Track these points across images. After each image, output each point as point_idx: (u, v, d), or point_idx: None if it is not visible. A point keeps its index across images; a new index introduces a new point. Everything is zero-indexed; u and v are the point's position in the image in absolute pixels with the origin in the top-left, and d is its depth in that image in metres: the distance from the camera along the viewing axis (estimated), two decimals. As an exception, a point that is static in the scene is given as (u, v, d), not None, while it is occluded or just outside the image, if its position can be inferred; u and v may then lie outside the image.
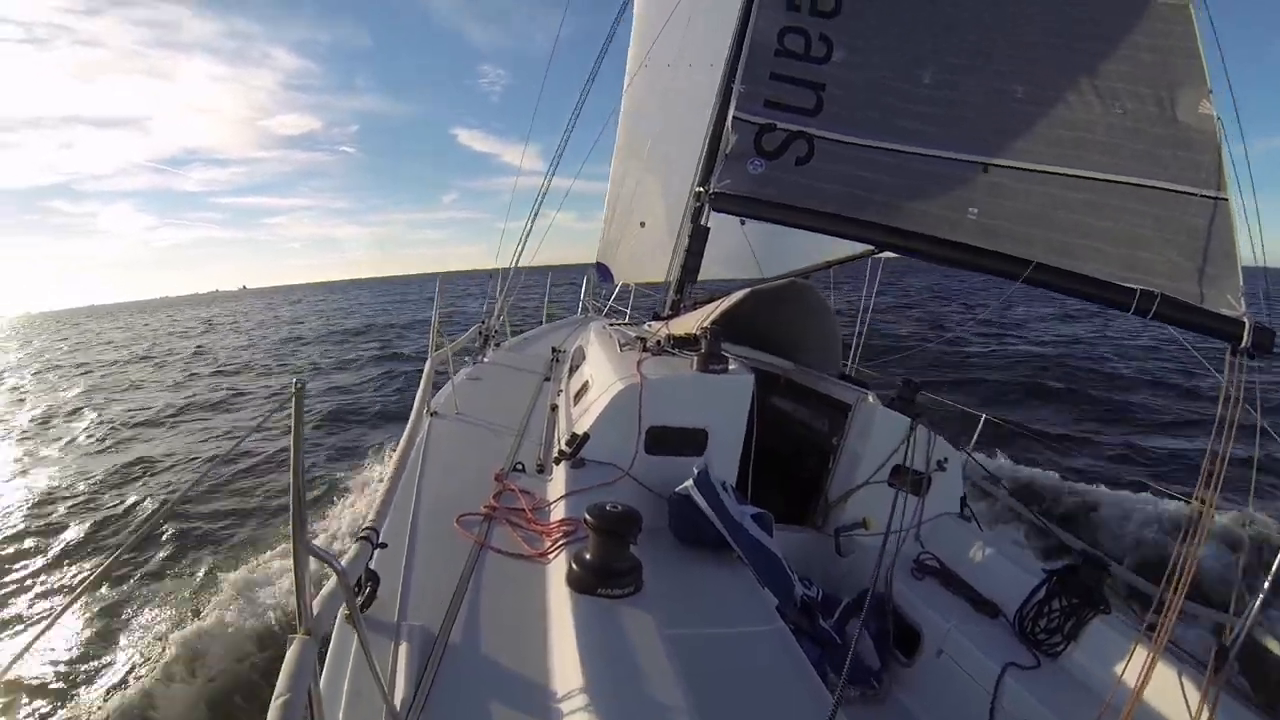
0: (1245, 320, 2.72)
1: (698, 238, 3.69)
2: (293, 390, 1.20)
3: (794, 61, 3.54)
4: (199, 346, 28.43)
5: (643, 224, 6.68)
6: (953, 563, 3.04)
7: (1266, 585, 2.10)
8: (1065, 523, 5.82)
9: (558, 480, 2.81)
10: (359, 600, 1.82)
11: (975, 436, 4.04)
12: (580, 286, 8.32)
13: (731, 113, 3.51)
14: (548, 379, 4.70)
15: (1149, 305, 2.86)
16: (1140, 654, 2.15)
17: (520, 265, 5.80)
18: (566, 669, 1.66)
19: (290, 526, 1.16)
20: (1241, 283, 2.84)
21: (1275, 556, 2.19)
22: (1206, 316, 2.82)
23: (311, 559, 1.22)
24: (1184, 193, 3.05)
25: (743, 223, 3.53)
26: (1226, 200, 3.00)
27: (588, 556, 1.97)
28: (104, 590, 5.86)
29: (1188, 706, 2.04)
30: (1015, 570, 2.85)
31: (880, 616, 2.85)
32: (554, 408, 3.84)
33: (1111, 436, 9.83)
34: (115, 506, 8.42)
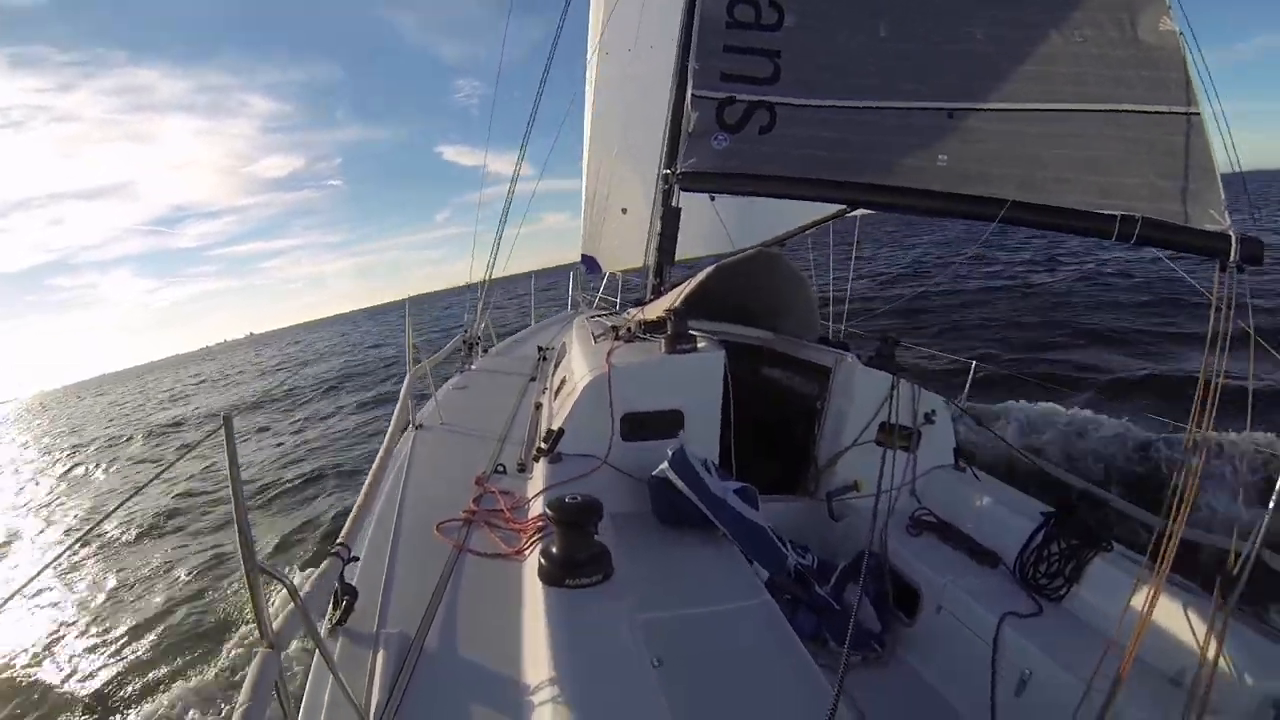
0: (1231, 234, 2.66)
1: (669, 220, 3.66)
2: (222, 421, 1.26)
3: (746, 32, 3.50)
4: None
5: (624, 210, 6.64)
6: (950, 515, 3.00)
7: (1271, 505, 2.01)
8: (1063, 459, 5.77)
9: (537, 477, 2.81)
10: (336, 614, 1.88)
11: (968, 385, 4.00)
12: (561, 287, 8.36)
13: (690, 91, 3.48)
14: (534, 379, 4.68)
15: (1131, 230, 2.80)
16: (1143, 590, 2.10)
17: (503, 271, 5.82)
18: (537, 663, 1.66)
19: (238, 548, 1.20)
20: (1223, 196, 2.78)
21: (1277, 476, 2.12)
22: (1191, 235, 2.76)
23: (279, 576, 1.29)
24: (1154, 112, 2.99)
25: (713, 198, 3.50)
26: (1198, 114, 2.93)
27: (554, 549, 1.98)
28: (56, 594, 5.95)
29: (1195, 637, 1.98)
30: (1013, 516, 2.79)
31: (878, 578, 2.80)
32: (538, 406, 3.83)
33: (1102, 365, 9.74)
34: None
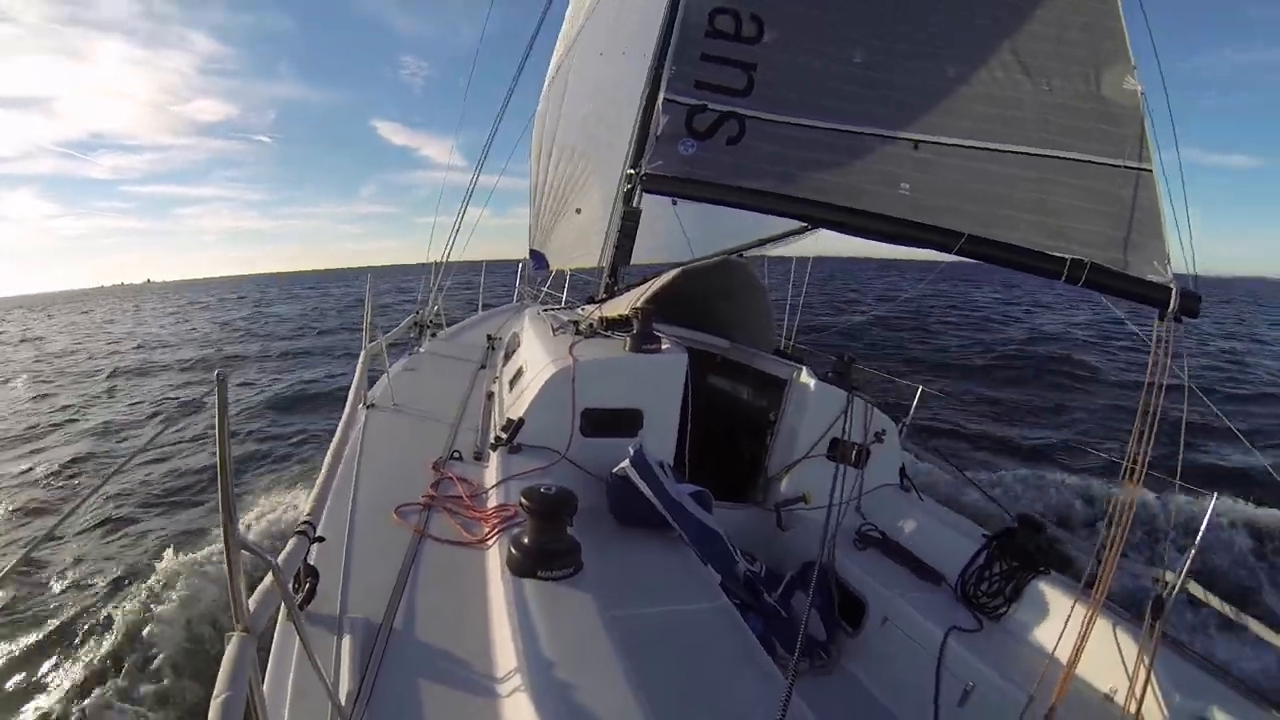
0: (1172, 286, 2.74)
1: (630, 219, 3.64)
2: (215, 382, 1.15)
3: (725, 42, 3.51)
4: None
5: (579, 210, 6.63)
6: (894, 532, 3.06)
7: (1198, 540, 2.16)
8: (1003, 486, 5.89)
9: (494, 466, 2.78)
10: (300, 596, 1.81)
11: (913, 408, 4.05)
12: (506, 279, 8.29)
13: (662, 95, 3.46)
14: (483, 367, 4.65)
15: (1079, 273, 2.86)
16: (1080, 611, 2.21)
17: (452, 259, 5.74)
18: (508, 654, 1.65)
19: (220, 523, 1.12)
20: (1167, 250, 2.87)
21: (1204, 512, 2.22)
22: (1134, 283, 2.84)
23: (248, 555, 1.19)
24: (1109, 165, 3.09)
25: (674, 203, 3.49)
26: (1150, 171, 3.04)
27: (525, 540, 1.95)
28: (17, 592, 5.52)
29: (1126, 659, 2.09)
30: (956, 537, 2.89)
31: (825, 589, 2.84)
32: (490, 395, 3.79)
33: (1044, 402, 10.09)
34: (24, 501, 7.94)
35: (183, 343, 24.72)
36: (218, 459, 1.12)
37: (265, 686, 1.51)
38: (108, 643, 4.62)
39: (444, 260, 5.74)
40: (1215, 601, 2.17)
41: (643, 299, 3.30)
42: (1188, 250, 2.84)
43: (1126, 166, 3.06)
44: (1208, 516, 2.21)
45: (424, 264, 5.92)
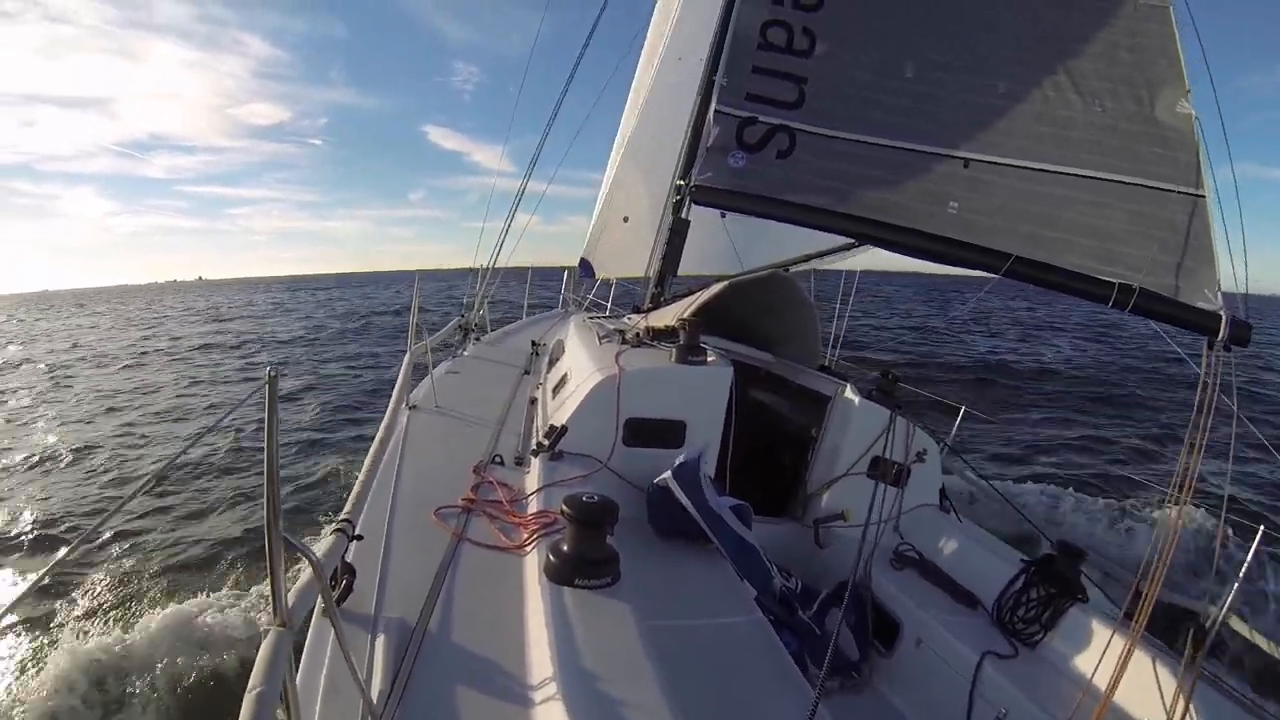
0: (1222, 314, 2.73)
1: (678, 230, 3.68)
2: (266, 379, 1.20)
3: (776, 55, 3.53)
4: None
5: (626, 219, 6.67)
6: (931, 554, 3.05)
7: (1241, 574, 2.14)
8: (1043, 513, 5.85)
9: (535, 473, 2.79)
10: (336, 593, 1.82)
11: (955, 428, 4.05)
12: (552, 288, 8.35)
13: (713, 106, 3.49)
14: (527, 372, 4.67)
15: (1127, 298, 2.86)
16: (1118, 643, 2.17)
17: (500, 265, 5.79)
18: (543, 660, 1.65)
19: (265, 518, 1.15)
20: (1219, 277, 2.85)
21: (1249, 545, 2.21)
22: (1184, 310, 2.82)
23: (287, 551, 1.22)
24: (1162, 189, 3.06)
25: (723, 216, 3.52)
26: (1204, 198, 3.01)
27: (564, 547, 1.97)
28: (61, 586, 5.68)
29: (1162, 695, 2.05)
30: (993, 560, 2.86)
31: (859, 608, 2.84)
32: (533, 400, 3.81)
33: (1089, 428, 9.94)
34: (72, 495, 8.14)
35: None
36: (265, 455, 1.15)
37: (299, 681, 1.53)
38: (148, 631, 4.71)
39: (490, 265, 5.80)
40: (1261, 641, 2.16)
41: (689, 311, 3.32)
42: (1239, 271, 2.81)
43: (1180, 192, 3.04)
44: (1253, 549, 2.20)
45: (470, 269, 5.98)
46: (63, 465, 9.41)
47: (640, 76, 6.64)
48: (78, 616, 5.31)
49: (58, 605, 5.47)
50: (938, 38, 3.50)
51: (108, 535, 6.55)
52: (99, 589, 5.71)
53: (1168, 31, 3.27)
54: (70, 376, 17.52)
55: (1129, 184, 3.11)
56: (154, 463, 9.32)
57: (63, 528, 7.14)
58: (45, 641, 4.93)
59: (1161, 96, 3.20)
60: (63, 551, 6.38)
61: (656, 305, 4.06)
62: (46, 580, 5.46)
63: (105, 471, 9.16)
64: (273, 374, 1.21)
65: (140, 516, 7.03)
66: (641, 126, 6.25)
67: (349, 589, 1.87)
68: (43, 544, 6.79)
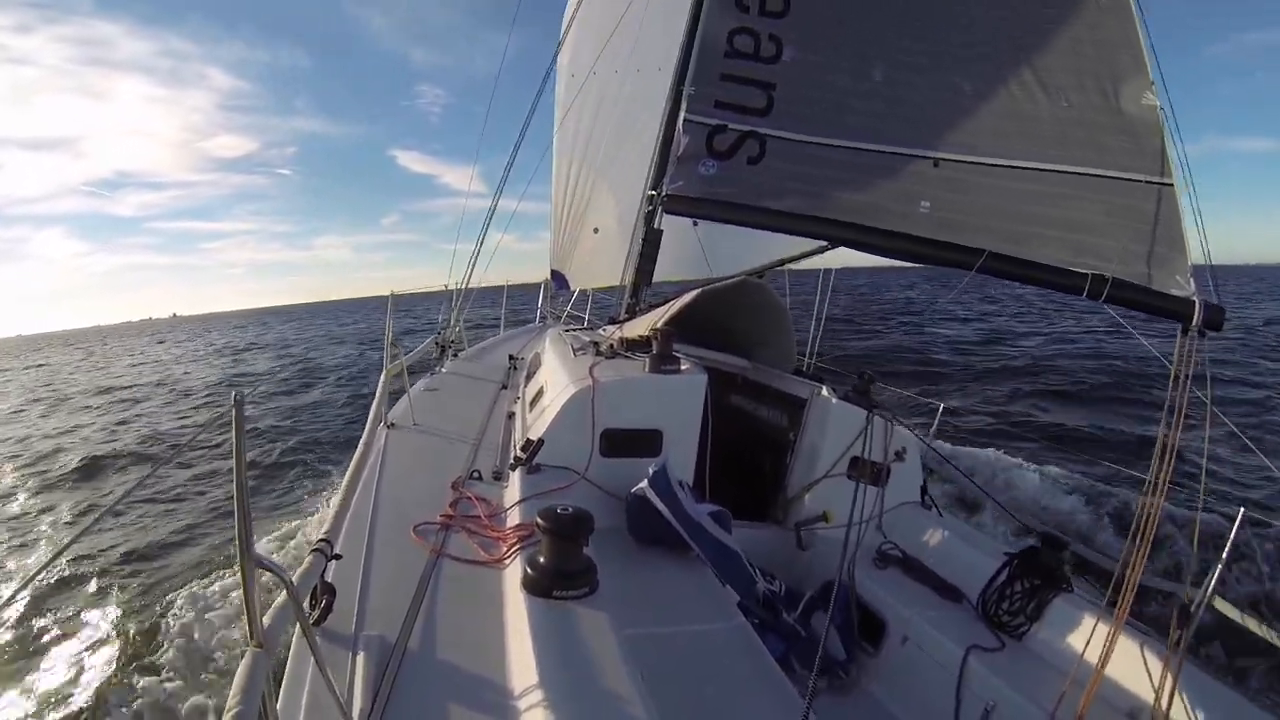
0: (1195, 300, 2.74)
1: (651, 240, 3.69)
2: (233, 402, 1.20)
3: (744, 62, 3.56)
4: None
5: (596, 230, 6.71)
6: (915, 551, 3.06)
7: (1224, 556, 2.16)
8: (1024, 505, 5.85)
9: (513, 486, 2.79)
10: (315, 613, 1.82)
11: (935, 425, 4.05)
12: (532, 302, 8.42)
13: (682, 115, 3.51)
14: (505, 387, 4.68)
15: (1100, 289, 2.87)
16: (1102, 630, 2.20)
17: (473, 284, 5.83)
18: (523, 672, 1.65)
19: (236, 540, 1.14)
20: (1190, 264, 2.86)
21: (1229, 528, 2.21)
22: (1157, 297, 2.84)
23: (264, 572, 1.23)
24: (1130, 179, 3.09)
25: (695, 224, 3.54)
26: (1171, 186, 3.03)
27: (541, 560, 1.97)
28: (27, 612, 5.61)
29: (1150, 677, 2.07)
30: (977, 555, 2.87)
31: (844, 608, 2.83)
32: (511, 415, 3.81)
33: (1064, 418, 9.98)
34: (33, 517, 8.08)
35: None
36: (234, 477, 1.16)
37: (279, 703, 1.52)
38: (120, 657, 4.68)
39: (464, 284, 5.82)
40: (1240, 617, 2.16)
41: (663, 320, 3.33)
42: (1203, 249, 2.82)
43: (1148, 181, 3.06)
44: (1234, 530, 2.20)
45: (446, 290, 6.00)
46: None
47: (565, 86, 6.67)
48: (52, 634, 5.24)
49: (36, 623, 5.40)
50: (904, 40, 3.53)
51: (70, 560, 6.51)
52: (67, 614, 5.62)
53: (1129, 24, 3.30)
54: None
55: (1098, 176, 3.13)
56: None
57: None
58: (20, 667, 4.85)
59: (1126, 89, 3.23)
60: (37, 565, 6.28)
61: (632, 315, 4.07)
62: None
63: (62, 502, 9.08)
64: (238, 397, 1.21)
65: (104, 550, 6.97)
66: (602, 137, 6.28)
67: (329, 608, 1.87)
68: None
